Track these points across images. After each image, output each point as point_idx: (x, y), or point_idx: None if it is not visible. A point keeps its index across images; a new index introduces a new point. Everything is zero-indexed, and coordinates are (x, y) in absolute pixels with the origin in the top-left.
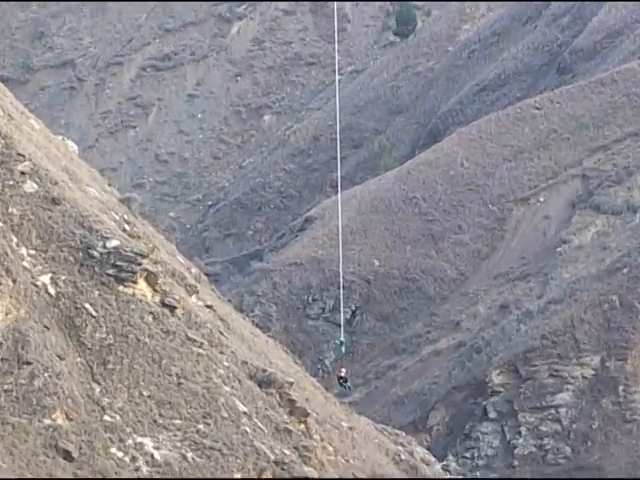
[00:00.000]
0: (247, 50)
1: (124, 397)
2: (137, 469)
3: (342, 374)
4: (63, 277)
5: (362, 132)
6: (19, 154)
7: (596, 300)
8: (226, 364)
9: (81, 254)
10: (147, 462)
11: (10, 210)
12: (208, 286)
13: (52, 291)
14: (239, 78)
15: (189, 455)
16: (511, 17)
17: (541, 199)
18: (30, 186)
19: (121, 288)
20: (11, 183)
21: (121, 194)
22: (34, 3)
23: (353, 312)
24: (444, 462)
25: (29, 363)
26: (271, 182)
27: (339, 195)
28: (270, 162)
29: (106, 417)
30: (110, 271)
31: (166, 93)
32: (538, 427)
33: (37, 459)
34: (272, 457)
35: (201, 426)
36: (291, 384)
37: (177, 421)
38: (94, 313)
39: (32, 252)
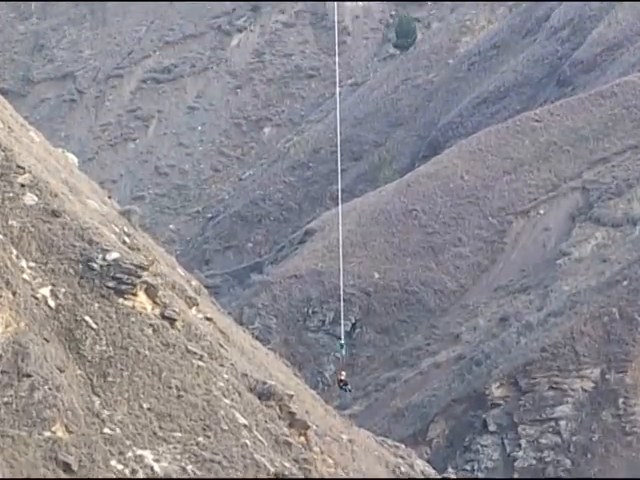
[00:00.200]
0: (247, 62)
1: (124, 410)
2: None
3: (342, 377)
4: (63, 289)
5: (362, 144)
6: (19, 166)
7: (596, 312)
8: (226, 377)
9: (81, 266)
10: (147, 475)
11: (10, 222)
12: (208, 298)
13: (52, 303)
14: (239, 90)
15: (189, 468)
16: (511, 30)
17: (541, 211)
18: (30, 198)
19: (121, 300)
20: (11, 195)
21: (121, 206)
22: (34, 15)
23: (353, 324)
24: (444, 475)
25: (29, 376)
26: (271, 194)
27: (339, 207)
28: (270, 174)
29: (106, 430)
30: (110, 283)
31: (166, 105)
32: (538, 440)
33: (37, 472)
34: (272, 470)
35: (201, 439)
36: (291, 396)
37: (177, 433)
38: (94, 325)
39: (32, 264)
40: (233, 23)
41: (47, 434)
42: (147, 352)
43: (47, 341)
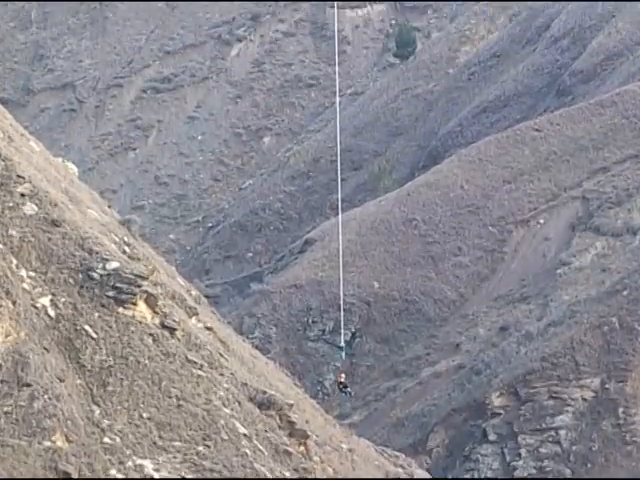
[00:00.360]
0: (247, 72)
1: (124, 419)
2: None
3: (342, 380)
4: (63, 299)
5: (362, 154)
6: (19, 176)
7: (596, 322)
8: (226, 386)
9: (81, 276)
10: None
11: (10, 232)
12: (208, 308)
13: (52, 313)
14: (239, 100)
15: (189, 477)
16: (511, 39)
17: (541, 221)
18: (30, 208)
19: (121, 310)
20: (11, 205)
21: (121, 216)
22: (34, 25)
23: (353, 334)
24: None
25: (29, 385)
26: (271, 204)
27: (339, 217)
28: (270, 184)
29: (106, 439)
30: (110, 293)
31: (166, 115)
32: (538, 449)
33: None
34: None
35: (201, 448)
36: (291, 406)
37: (177, 443)
38: (94, 335)
39: (32, 274)
40: (233, 33)
41: (47, 444)
42: (147, 361)
43: (47, 350)
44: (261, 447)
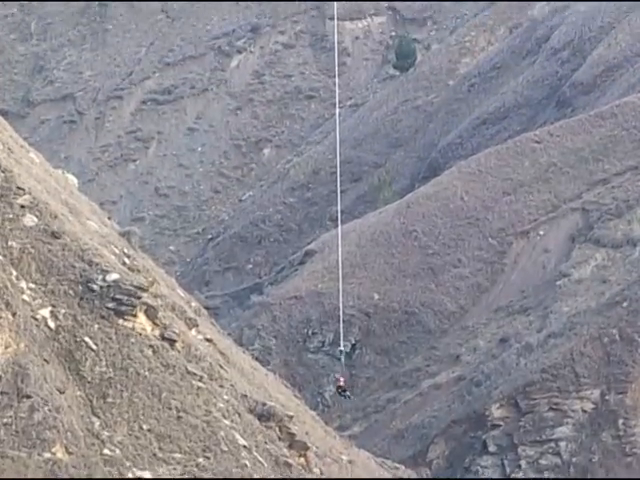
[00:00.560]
0: (247, 84)
1: (124, 431)
2: None
3: (341, 383)
4: (63, 310)
5: (362, 166)
6: (19, 188)
7: (596, 334)
8: (226, 398)
9: (81, 287)
10: None
11: (10, 243)
12: (208, 320)
13: (52, 324)
14: (239, 112)
15: None
16: (511, 51)
17: (541, 233)
18: (30, 219)
19: (121, 322)
20: (11, 216)
21: (121, 227)
22: (34, 37)
23: (353, 345)
24: None
25: (29, 397)
26: (271, 216)
27: (339, 229)
28: (270, 196)
29: (106, 451)
30: (110, 305)
31: (166, 127)
32: (538, 460)
33: None
34: None
35: (201, 460)
36: (291, 418)
37: (177, 455)
38: (94, 347)
39: (32, 285)
40: (233, 44)
41: (47, 455)
42: (147, 373)
43: (47, 362)
44: (261, 459)
